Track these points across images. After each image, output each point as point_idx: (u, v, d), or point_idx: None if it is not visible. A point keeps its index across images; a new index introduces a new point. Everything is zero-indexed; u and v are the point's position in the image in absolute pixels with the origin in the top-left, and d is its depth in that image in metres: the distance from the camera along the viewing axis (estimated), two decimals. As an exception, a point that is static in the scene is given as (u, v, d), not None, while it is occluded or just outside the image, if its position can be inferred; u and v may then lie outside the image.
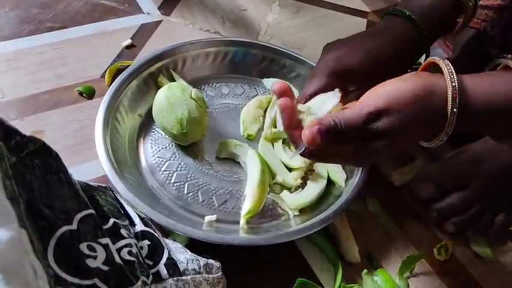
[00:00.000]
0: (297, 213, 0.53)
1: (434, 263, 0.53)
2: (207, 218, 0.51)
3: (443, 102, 0.39)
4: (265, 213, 0.54)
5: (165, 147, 0.58)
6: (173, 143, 0.59)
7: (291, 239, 0.48)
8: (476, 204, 0.54)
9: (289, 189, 0.56)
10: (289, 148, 0.59)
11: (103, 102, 0.57)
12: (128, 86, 0.60)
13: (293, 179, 0.55)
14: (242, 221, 0.51)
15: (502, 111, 0.40)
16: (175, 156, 0.58)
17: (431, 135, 0.42)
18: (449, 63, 0.40)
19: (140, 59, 0.64)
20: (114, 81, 0.60)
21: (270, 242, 0.48)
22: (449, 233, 0.56)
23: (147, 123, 0.61)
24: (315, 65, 0.66)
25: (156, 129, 0.60)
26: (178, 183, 0.55)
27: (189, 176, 0.56)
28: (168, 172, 0.56)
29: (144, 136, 0.60)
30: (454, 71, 0.40)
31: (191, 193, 0.54)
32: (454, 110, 0.39)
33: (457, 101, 0.39)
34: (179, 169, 0.56)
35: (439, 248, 0.54)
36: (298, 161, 0.56)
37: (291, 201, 0.53)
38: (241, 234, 0.50)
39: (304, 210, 0.53)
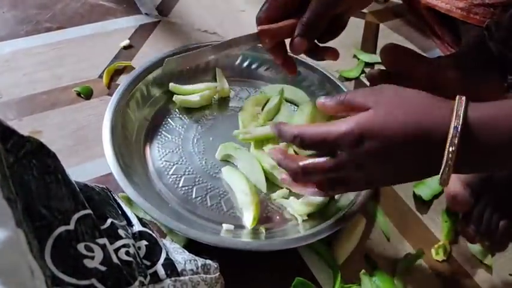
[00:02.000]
0: (305, 218, 0.53)
1: (432, 263, 0.53)
2: (225, 227, 0.51)
3: (443, 138, 0.36)
4: (274, 218, 0.54)
5: (172, 151, 0.58)
6: (180, 147, 0.59)
7: (290, 247, 0.48)
8: (486, 211, 0.54)
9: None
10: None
11: (110, 105, 0.56)
12: (135, 88, 0.60)
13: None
14: (250, 228, 0.51)
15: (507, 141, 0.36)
16: (183, 160, 0.57)
17: (430, 167, 0.38)
18: (465, 100, 0.37)
19: (147, 61, 0.63)
20: (122, 83, 0.60)
21: (268, 248, 0.48)
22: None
23: (153, 127, 0.61)
24: (314, 65, 0.67)
25: (163, 132, 0.60)
26: (186, 187, 0.55)
27: (197, 180, 0.56)
28: (175, 176, 0.56)
29: (151, 140, 0.59)
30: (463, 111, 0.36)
31: (199, 197, 0.54)
32: (458, 122, 0.36)
33: (456, 143, 0.36)
34: (187, 173, 0.56)
35: (436, 248, 0.54)
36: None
37: (299, 206, 0.53)
38: (248, 239, 0.50)
39: (312, 215, 0.53)
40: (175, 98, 0.62)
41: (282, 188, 0.56)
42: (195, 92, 0.63)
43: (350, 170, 0.41)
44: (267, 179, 0.56)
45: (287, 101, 0.66)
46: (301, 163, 0.43)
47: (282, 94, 0.65)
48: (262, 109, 0.64)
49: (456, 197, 0.55)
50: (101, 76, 0.68)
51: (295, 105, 0.67)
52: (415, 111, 0.37)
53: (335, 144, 0.40)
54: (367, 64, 0.78)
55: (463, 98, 0.37)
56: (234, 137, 0.59)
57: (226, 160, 0.58)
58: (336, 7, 0.49)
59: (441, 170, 0.37)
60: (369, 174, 0.41)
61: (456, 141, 0.36)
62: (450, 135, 0.36)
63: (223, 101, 0.66)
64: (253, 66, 0.69)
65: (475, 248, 0.55)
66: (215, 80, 0.67)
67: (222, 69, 0.68)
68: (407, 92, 0.39)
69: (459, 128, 0.36)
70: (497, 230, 0.54)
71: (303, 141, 0.42)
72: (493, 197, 0.54)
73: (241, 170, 0.56)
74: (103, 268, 0.31)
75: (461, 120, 0.36)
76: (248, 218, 0.51)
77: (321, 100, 0.45)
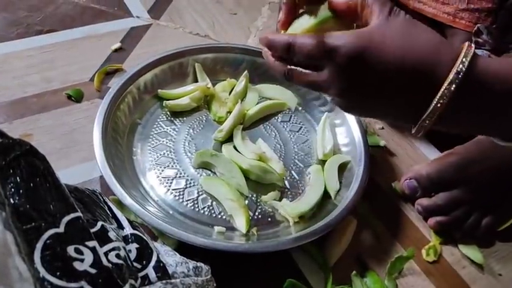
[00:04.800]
0: (297, 220, 0.53)
1: (423, 264, 0.54)
2: (217, 229, 0.51)
3: (449, 61, 0.35)
4: (266, 220, 0.54)
5: (164, 154, 0.58)
6: (172, 150, 0.58)
7: (281, 249, 0.48)
8: (462, 206, 0.55)
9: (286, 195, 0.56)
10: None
11: (101, 108, 0.56)
12: (126, 91, 0.60)
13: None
14: (245, 232, 0.51)
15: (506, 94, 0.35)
16: (174, 163, 0.57)
17: (414, 110, 0.36)
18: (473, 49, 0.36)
19: (138, 64, 0.63)
20: (113, 86, 0.59)
21: (259, 250, 0.48)
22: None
23: (145, 130, 0.60)
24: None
25: (154, 135, 0.60)
26: (178, 190, 0.54)
27: (188, 182, 0.55)
28: (167, 179, 0.55)
29: (142, 143, 0.59)
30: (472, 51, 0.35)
31: (191, 200, 0.54)
32: (462, 68, 0.34)
33: (468, 59, 0.34)
34: (178, 176, 0.56)
35: (427, 249, 0.55)
36: (252, 154, 0.57)
37: (291, 208, 0.53)
38: (239, 241, 0.50)
39: (304, 217, 0.54)
40: (165, 103, 0.62)
41: (264, 185, 0.56)
42: (184, 95, 0.63)
43: (332, 91, 0.38)
44: (248, 179, 0.56)
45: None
46: (288, 66, 0.40)
47: (248, 78, 0.67)
48: (229, 94, 0.66)
49: (407, 184, 0.58)
50: (92, 79, 0.67)
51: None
52: (420, 47, 0.35)
53: (327, 57, 0.37)
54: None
55: (472, 45, 0.35)
56: (214, 139, 0.60)
57: (205, 168, 0.57)
58: None
59: (425, 115, 0.35)
60: (350, 100, 0.39)
61: (453, 88, 0.34)
62: (448, 80, 0.34)
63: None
64: (239, 66, 0.69)
65: (468, 250, 0.55)
66: (196, 80, 0.67)
67: (212, 72, 0.68)
68: (420, 26, 0.37)
69: (461, 74, 0.34)
70: (479, 227, 0.55)
71: (293, 49, 0.38)
72: (469, 192, 0.55)
73: (220, 177, 0.56)
74: (93, 271, 0.30)
75: (466, 65, 0.34)
76: (240, 223, 0.51)
77: None
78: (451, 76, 0.34)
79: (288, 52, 0.39)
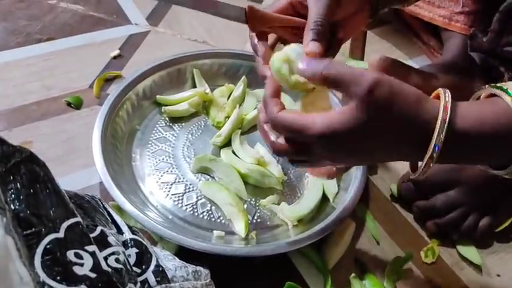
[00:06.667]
0: (295, 223, 0.53)
1: (422, 266, 0.54)
2: (216, 233, 0.51)
3: (433, 117, 0.35)
4: (265, 223, 0.54)
5: (163, 159, 0.58)
6: (171, 155, 0.59)
7: (279, 252, 0.49)
8: (459, 207, 0.55)
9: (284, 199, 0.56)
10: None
11: (100, 115, 0.57)
12: (125, 97, 0.61)
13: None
14: (244, 236, 0.51)
15: (489, 139, 0.36)
16: (173, 168, 0.58)
17: (411, 152, 0.38)
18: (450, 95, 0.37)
19: (137, 71, 0.64)
20: (112, 93, 0.60)
21: (258, 254, 0.48)
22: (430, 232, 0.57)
23: (143, 136, 0.61)
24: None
25: (153, 141, 0.60)
26: (177, 195, 0.55)
27: (187, 187, 0.56)
28: (166, 184, 0.56)
29: (141, 148, 0.60)
30: (450, 98, 0.36)
31: (190, 204, 0.54)
32: (445, 119, 0.35)
33: (448, 113, 0.35)
34: (177, 181, 0.56)
35: (426, 251, 0.55)
36: (250, 158, 0.57)
37: (290, 212, 0.54)
38: (238, 245, 0.50)
39: (302, 220, 0.54)
40: (164, 109, 0.63)
41: (263, 189, 0.57)
42: (182, 101, 0.64)
43: (317, 159, 0.41)
44: (246, 183, 0.56)
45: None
46: (272, 138, 0.41)
47: (246, 83, 0.67)
48: (228, 98, 0.66)
49: (403, 186, 0.59)
50: (91, 86, 0.68)
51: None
52: (398, 127, 0.36)
53: (307, 141, 0.38)
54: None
55: (448, 111, 0.36)
56: (213, 144, 0.60)
57: (204, 172, 0.58)
58: (335, 10, 0.45)
59: (423, 165, 0.37)
60: (335, 162, 0.41)
61: (434, 155, 0.35)
62: (436, 132, 0.35)
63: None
64: (237, 72, 0.70)
65: (466, 251, 0.55)
66: (195, 86, 0.68)
67: (210, 77, 0.69)
68: (399, 97, 0.36)
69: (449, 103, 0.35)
70: (477, 228, 0.55)
71: (275, 126, 0.40)
72: (466, 194, 0.55)
73: (219, 181, 0.56)
74: (93, 275, 0.31)
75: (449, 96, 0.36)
76: (239, 227, 0.52)
77: (301, 67, 0.39)
78: (429, 151, 0.36)
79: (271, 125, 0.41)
